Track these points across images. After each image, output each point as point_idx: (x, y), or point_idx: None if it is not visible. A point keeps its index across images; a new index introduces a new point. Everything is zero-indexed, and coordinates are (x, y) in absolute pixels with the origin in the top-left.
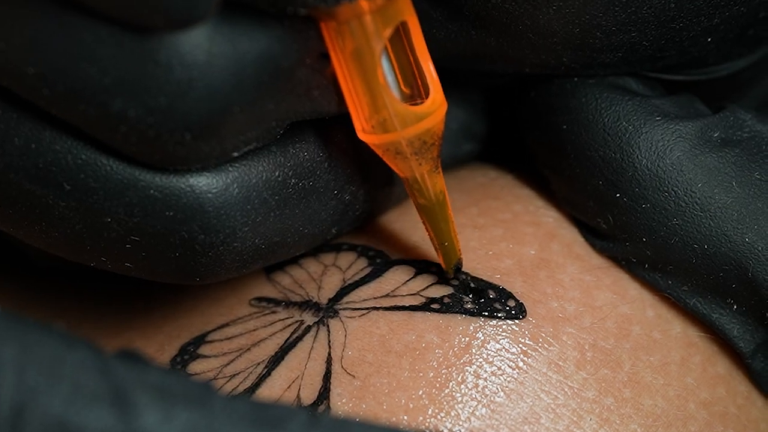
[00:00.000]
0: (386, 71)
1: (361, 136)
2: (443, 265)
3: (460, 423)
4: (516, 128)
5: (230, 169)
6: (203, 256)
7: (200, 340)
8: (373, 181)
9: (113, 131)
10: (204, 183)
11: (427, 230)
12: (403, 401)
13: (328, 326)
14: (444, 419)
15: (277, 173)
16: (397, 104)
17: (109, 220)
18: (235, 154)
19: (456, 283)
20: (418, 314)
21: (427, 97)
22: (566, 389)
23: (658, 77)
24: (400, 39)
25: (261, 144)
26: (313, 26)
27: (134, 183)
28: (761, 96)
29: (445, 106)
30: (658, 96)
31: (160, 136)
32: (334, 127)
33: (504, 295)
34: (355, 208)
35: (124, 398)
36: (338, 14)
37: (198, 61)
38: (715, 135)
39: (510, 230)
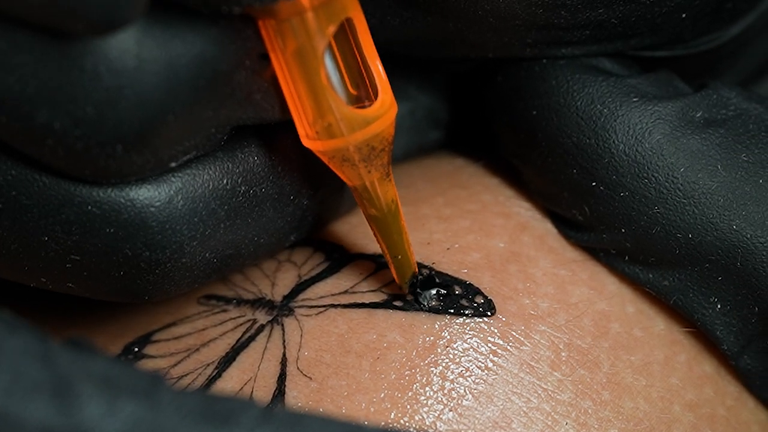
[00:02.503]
0: (330, 72)
1: (305, 142)
2: (396, 280)
3: (425, 428)
4: (483, 116)
5: (173, 179)
6: (150, 274)
7: (145, 339)
8: (334, 182)
9: (39, 145)
10: (145, 196)
11: (379, 242)
12: (364, 405)
13: (282, 325)
14: (408, 424)
15: (225, 181)
16: (343, 107)
17: (47, 239)
18: (173, 164)
19: (420, 277)
20: (380, 312)
21: (376, 98)
22: (540, 391)
23: (634, 54)
24: (345, 37)
25: (201, 152)
26: (250, 25)
27: (70, 199)
28: (745, 71)
29: (395, 109)
30: (635, 75)
31: (89, 149)
32: (286, 126)
33: (471, 291)
34: (315, 213)
35: (67, 389)
36: (277, 12)
37: (127, 67)
38: (698, 115)
39: (478, 221)
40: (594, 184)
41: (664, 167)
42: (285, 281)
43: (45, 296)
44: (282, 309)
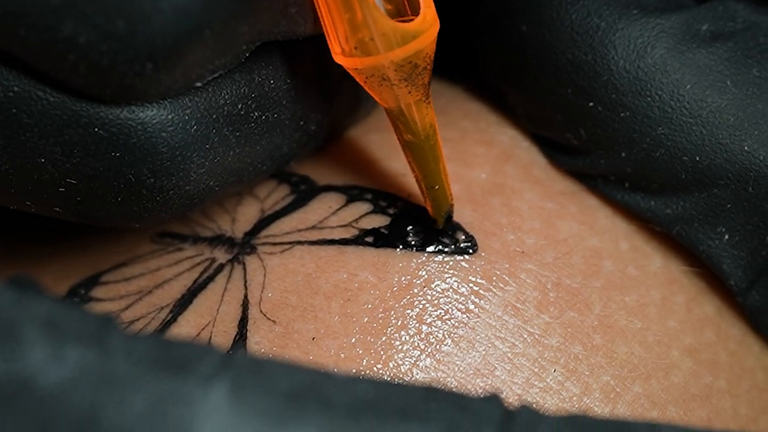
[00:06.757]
0: None
1: (338, 59)
2: (431, 213)
3: (401, 376)
4: (464, 36)
5: (189, 103)
6: (150, 201)
7: (93, 281)
8: (340, 105)
9: (59, 60)
10: (158, 120)
11: (414, 171)
12: (333, 350)
13: (243, 264)
14: (381, 371)
15: (239, 106)
16: (384, 21)
17: (43, 160)
18: (199, 85)
19: (393, 212)
20: (350, 249)
21: (413, 14)
22: (525, 336)
23: None
24: None
25: (226, 70)
26: None
27: (75, 119)
28: None
29: (437, 25)
30: None
31: (115, 67)
32: (303, 48)
33: (451, 226)
34: (319, 138)
35: (9, 332)
36: None
37: None
38: (704, 28)
39: (457, 150)
40: (591, 104)
41: (669, 84)
42: (246, 216)
43: None
44: (243, 246)
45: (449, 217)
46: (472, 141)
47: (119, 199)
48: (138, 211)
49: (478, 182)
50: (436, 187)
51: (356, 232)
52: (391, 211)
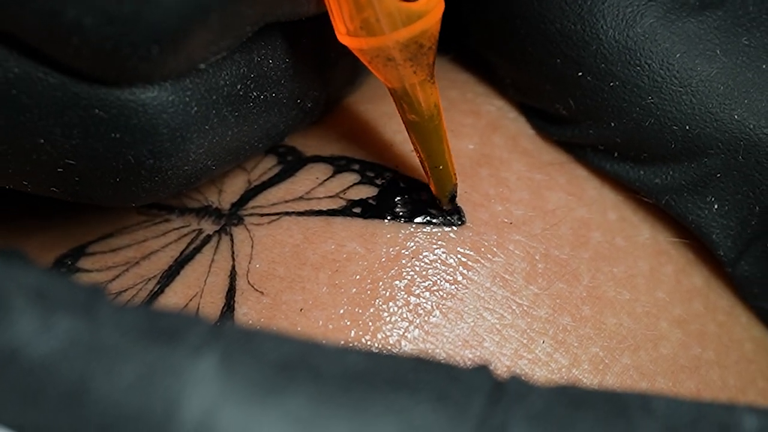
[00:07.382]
0: None
1: (343, 40)
2: (435, 192)
3: (389, 347)
4: (452, 5)
5: (190, 84)
6: (148, 182)
7: (79, 252)
8: (336, 83)
9: (63, 43)
10: (159, 101)
11: (417, 151)
12: (321, 322)
13: (231, 235)
14: (369, 342)
15: (239, 86)
16: (389, 1)
17: (42, 141)
18: (202, 66)
19: (381, 182)
20: (338, 220)
21: None
22: (514, 307)
23: None
24: None
25: (227, 52)
26: None
27: (75, 100)
28: None
29: (442, 4)
30: None
31: (119, 50)
32: (301, 27)
33: None
34: (314, 114)
35: None
36: None
37: None
38: None
39: (445, 121)
40: (580, 74)
41: (658, 53)
42: (233, 187)
43: None
44: (230, 218)
45: (453, 197)
46: (459, 111)
47: (118, 179)
48: (136, 191)
49: (465, 153)
50: (440, 167)
51: (344, 203)
52: (378, 182)
